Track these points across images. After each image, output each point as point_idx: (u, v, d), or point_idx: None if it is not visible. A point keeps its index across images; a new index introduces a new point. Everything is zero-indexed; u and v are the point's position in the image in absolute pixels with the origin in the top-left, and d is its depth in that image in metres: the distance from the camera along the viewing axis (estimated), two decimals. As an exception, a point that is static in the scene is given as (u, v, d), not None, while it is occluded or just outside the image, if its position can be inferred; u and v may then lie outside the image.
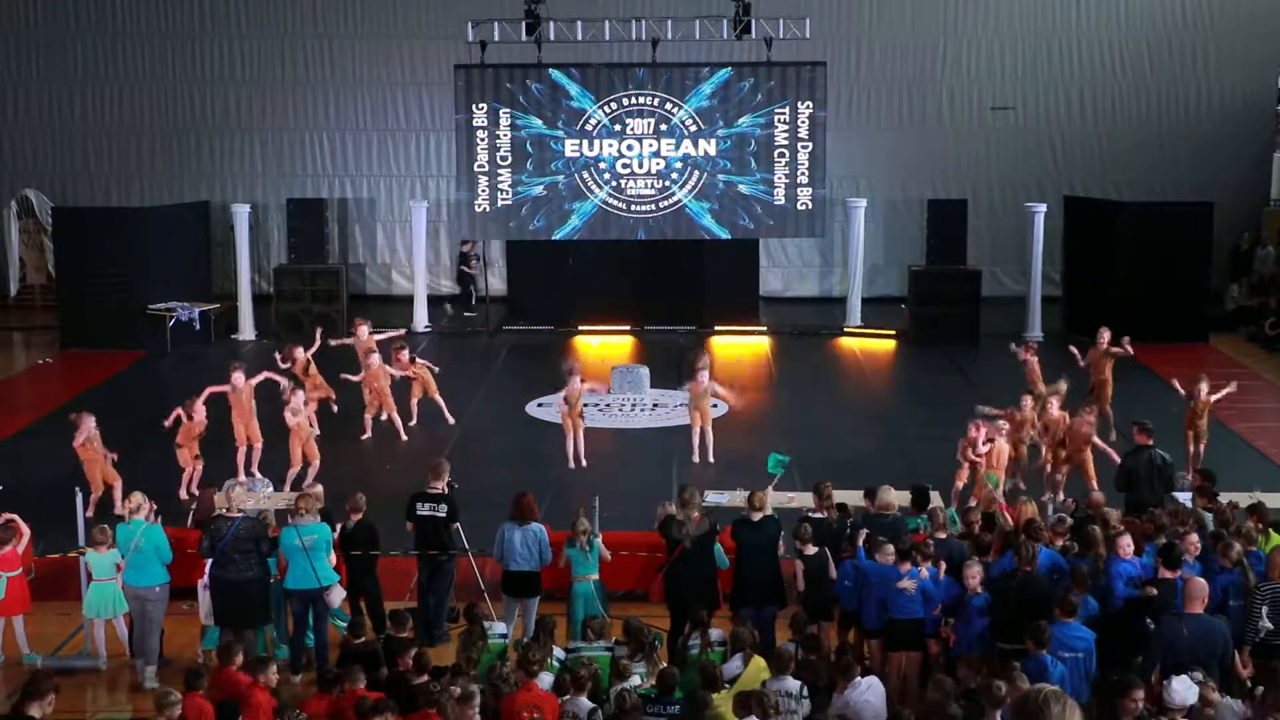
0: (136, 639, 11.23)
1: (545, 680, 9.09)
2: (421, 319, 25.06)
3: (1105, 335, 17.20)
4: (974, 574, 9.95)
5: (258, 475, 15.39)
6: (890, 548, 10.29)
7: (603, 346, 23.87)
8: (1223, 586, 9.83)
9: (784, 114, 23.46)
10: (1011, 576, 9.93)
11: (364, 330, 18.01)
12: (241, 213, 24.97)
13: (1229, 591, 9.81)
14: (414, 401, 18.03)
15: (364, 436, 17.61)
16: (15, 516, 11.94)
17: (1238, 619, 9.58)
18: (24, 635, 11.59)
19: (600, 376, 18.96)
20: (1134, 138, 27.50)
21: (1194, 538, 10.38)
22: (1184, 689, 8.18)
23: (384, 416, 17.74)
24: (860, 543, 10.82)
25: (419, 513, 11.78)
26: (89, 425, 14.59)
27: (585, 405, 16.87)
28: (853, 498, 12.21)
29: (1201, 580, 9.23)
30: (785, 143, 23.55)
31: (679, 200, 23.74)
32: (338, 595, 11.14)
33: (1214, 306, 24.72)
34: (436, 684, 8.83)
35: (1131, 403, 17.59)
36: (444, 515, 11.78)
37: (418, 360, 18.32)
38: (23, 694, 8.24)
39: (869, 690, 8.94)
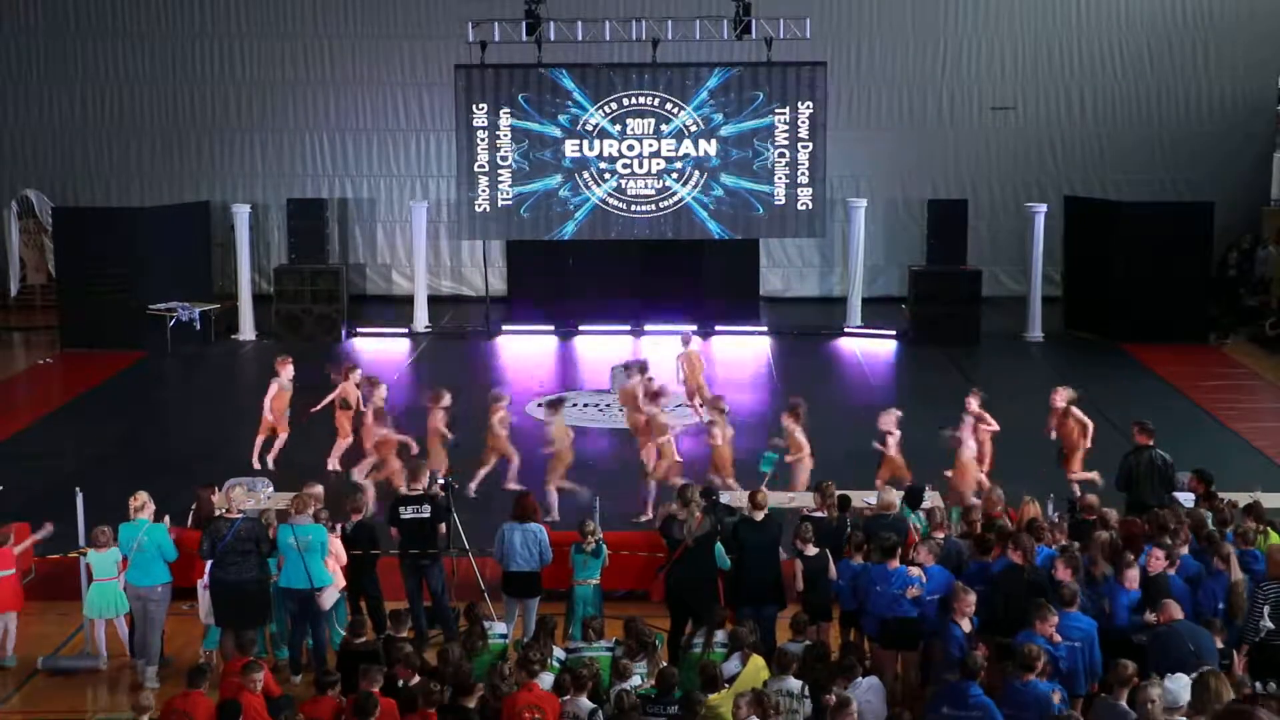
0: (138, 639, 11.22)
1: (545, 680, 9.09)
2: (421, 319, 25.05)
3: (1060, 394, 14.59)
4: (967, 604, 9.55)
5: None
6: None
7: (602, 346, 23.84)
8: (1214, 589, 9.85)
9: (784, 114, 23.44)
10: (1013, 574, 9.92)
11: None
12: (241, 213, 24.95)
13: (1218, 594, 9.84)
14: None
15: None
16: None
17: (1225, 619, 9.63)
18: (14, 635, 11.57)
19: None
20: (1134, 138, 27.50)
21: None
22: (1179, 689, 8.18)
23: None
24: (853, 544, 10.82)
25: (404, 516, 11.72)
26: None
27: (585, 406, 16.77)
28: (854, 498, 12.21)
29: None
30: (785, 143, 23.53)
31: (679, 200, 23.73)
32: (329, 598, 11.05)
33: (1214, 306, 24.70)
34: (435, 684, 8.84)
35: (1131, 403, 17.61)
36: (428, 515, 11.72)
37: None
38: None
39: (869, 690, 8.95)
